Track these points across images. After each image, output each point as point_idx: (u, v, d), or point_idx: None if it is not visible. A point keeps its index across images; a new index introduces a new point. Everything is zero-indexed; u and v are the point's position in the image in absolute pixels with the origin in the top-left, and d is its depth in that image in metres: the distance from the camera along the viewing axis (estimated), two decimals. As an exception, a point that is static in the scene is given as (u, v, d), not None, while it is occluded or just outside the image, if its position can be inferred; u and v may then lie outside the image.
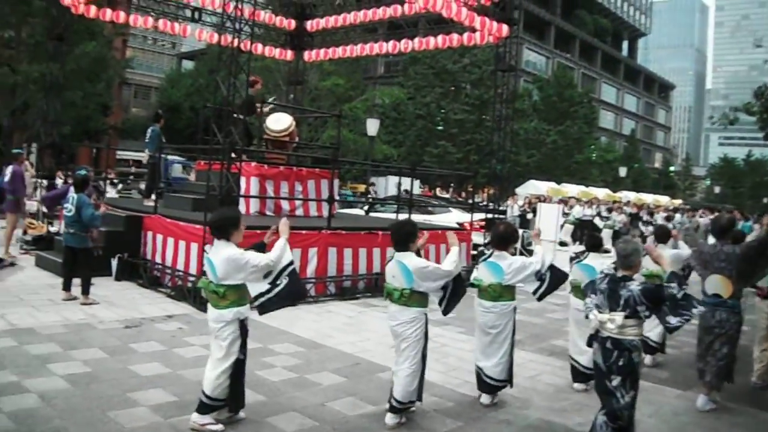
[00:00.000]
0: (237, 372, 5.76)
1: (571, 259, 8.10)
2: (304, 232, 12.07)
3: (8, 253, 14.07)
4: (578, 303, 7.45)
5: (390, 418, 6.10)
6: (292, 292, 5.95)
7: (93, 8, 17.20)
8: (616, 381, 5.24)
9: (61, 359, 7.45)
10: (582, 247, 8.28)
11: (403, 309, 6.10)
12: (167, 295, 11.56)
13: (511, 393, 7.19)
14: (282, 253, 5.81)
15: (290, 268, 5.90)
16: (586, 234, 8.75)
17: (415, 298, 6.08)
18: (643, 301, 5.16)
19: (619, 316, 5.19)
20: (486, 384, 6.94)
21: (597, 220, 24.33)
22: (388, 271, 6.26)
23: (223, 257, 5.62)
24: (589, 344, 5.55)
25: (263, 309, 5.93)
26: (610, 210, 30.53)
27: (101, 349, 7.97)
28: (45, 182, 17.00)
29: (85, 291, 10.44)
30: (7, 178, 14.75)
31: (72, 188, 11.55)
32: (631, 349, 5.22)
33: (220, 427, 5.72)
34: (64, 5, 16.81)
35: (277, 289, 5.83)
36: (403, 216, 14.98)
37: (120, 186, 24.04)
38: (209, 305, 5.80)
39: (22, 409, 5.75)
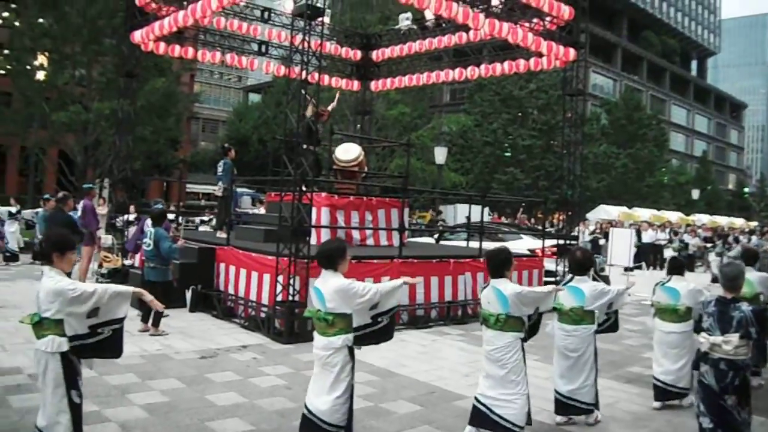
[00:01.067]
0: (351, 398, 5.80)
1: (656, 283, 8.13)
2: (375, 261, 12.10)
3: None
4: (663, 325, 7.79)
5: None
6: (387, 332, 6.01)
7: (162, 45, 17.59)
8: (731, 400, 5.38)
9: (140, 389, 7.57)
10: (652, 272, 8.35)
11: (499, 334, 6.12)
12: (241, 326, 11.67)
13: (588, 421, 7.05)
14: (395, 293, 5.88)
15: (395, 310, 5.98)
16: (669, 258, 8.81)
17: (510, 323, 6.10)
18: (755, 322, 5.32)
19: (734, 338, 5.33)
20: (567, 406, 6.98)
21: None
22: (483, 297, 6.29)
23: (332, 287, 5.67)
24: (695, 367, 5.65)
25: (359, 342, 5.91)
26: (675, 233, 29.97)
27: (178, 379, 8.07)
28: (125, 217, 17.25)
29: (156, 323, 10.62)
30: (79, 213, 15.19)
31: (148, 222, 11.83)
32: (744, 369, 5.40)
33: None
34: (134, 43, 17.22)
35: (378, 326, 5.89)
36: (473, 244, 14.90)
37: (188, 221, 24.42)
38: (316, 333, 5.84)
39: (104, 439, 5.85)
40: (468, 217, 16.75)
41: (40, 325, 4.81)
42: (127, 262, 15.59)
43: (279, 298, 10.91)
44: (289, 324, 10.67)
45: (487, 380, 6.23)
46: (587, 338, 6.95)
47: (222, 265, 12.97)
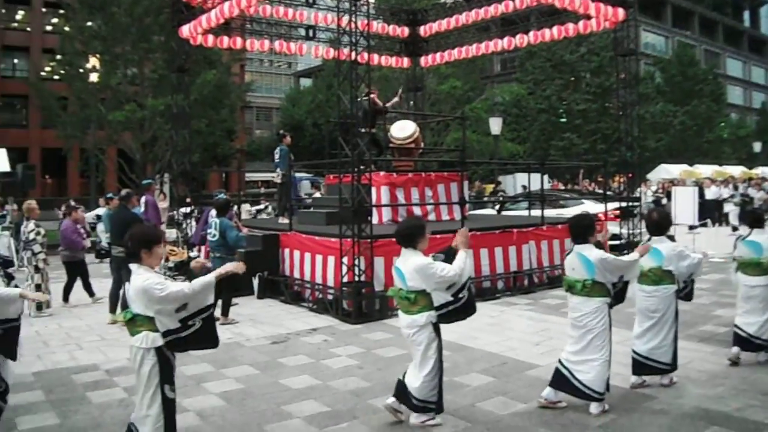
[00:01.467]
0: (440, 374, 5.89)
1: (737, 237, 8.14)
2: (439, 236, 12.04)
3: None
4: (747, 279, 7.74)
5: (594, 408, 6.17)
6: (470, 305, 6.03)
7: (210, 37, 17.72)
8: None
9: (215, 378, 7.70)
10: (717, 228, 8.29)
11: (585, 300, 6.20)
12: (309, 309, 11.77)
13: (663, 382, 6.99)
14: (465, 266, 5.86)
15: (470, 283, 5.97)
16: (747, 211, 8.73)
17: (597, 288, 6.18)
18: None
19: None
20: (644, 365, 6.96)
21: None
22: (567, 263, 6.40)
23: (412, 266, 5.79)
24: None
25: (445, 319, 5.98)
26: (735, 187, 29.28)
27: (251, 365, 8.17)
28: (181, 210, 17.48)
29: (225, 312, 10.80)
30: (141, 209, 15.44)
31: (212, 213, 11.99)
32: None
33: (438, 420, 5.96)
34: (183, 38, 17.39)
35: (460, 303, 5.91)
36: (535, 212, 14.75)
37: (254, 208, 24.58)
38: (400, 312, 5.97)
39: (182, 427, 5.91)
40: (524, 186, 16.62)
41: (133, 322, 4.89)
42: (193, 254, 15.81)
43: (345, 279, 10.96)
44: (357, 304, 10.72)
45: (572, 345, 6.30)
46: (667, 298, 6.91)
47: (287, 251, 13.08)
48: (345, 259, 10.92)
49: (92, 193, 36.00)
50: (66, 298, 12.56)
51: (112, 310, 10.85)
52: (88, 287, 12.93)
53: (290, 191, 14.74)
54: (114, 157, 32.38)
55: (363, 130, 12.01)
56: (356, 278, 10.86)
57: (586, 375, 6.12)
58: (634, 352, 6.99)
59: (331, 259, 11.59)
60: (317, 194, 22.99)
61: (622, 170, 18.02)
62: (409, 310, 5.82)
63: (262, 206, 24.12)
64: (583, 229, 6.36)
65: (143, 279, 4.80)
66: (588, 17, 16.47)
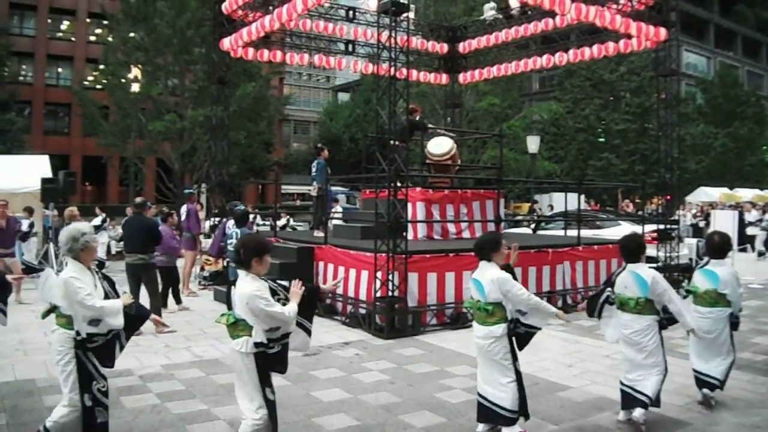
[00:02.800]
0: (521, 382, 5.99)
1: None
2: (473, 253, 12.00)
3: (188, 288, 14.86)
4: None
5: (639, 413, 6.25)
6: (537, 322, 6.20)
7: (251, 50, 17.87)
8: None
9: (247, 388, 7.70)
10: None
11: (637, 317, 6.35)
12: (342, 323, 11.78)
13: (698, 409, 6.98)
14: (539, 310, 6.13)
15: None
16: None
17: (649, 306, 6.34)
18: None
19: None
20: (705, 383, 7.12)
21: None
22: (619, 282, 6.49)
23: (489, 277, 5.93)
24: None
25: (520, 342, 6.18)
26: (764, 212, 28.78)
27: (283, 377, 8.15)
28: (208, 221, 17.66)
29: None
30: (183, 217, 15.60)
31: (230, 224, 12.16)
32: None
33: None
34: (223, 50, 17.57)
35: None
36: (571, 233, 14.65)
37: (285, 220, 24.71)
38: (475, 323, 6.08)
39: (214, 437, 5.96)
40: (551, 206, 16.46)
41: (236, 326, 5.01)
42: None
43: (378, 294, 10.96)
44: (390, 319, 10.72)
45: (626, 363, 6.47)
46: (722, 320, 7.07)
47: (321, 264, 13.11)
48: (379, 274, 10.92)
49: (130, 201, 36.39)
50: (165, 304, 12.73)
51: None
52: (177, 294, 13.13)
53: (326, 205, 14.77)
54: (153, 167, 32.78)
55: (401, 144, 12.03)
56: (390, 293, 10.85)
57: (643, 385, 6.28)
58: (694, 370, 7.22)
59: (365, 274, 11.61)
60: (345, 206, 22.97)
61: (661, 192, 17.85)
62: (485, 321, 5.93)
63: (283, 221, 24.08)
64: (635, 249, 6.50)
65: (253, 288, 4.92)
66: (629, 36, 16.35)
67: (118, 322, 5.35)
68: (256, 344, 4.94)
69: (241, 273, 5.07)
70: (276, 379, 7.91)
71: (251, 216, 17.00)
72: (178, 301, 13.04)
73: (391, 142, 11.48)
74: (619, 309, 6.48)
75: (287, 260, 12.83)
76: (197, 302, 13.97)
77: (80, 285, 5.23)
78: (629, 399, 6.38)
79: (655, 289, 6.22)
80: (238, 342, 4.99)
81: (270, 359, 5.05)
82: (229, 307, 5.21)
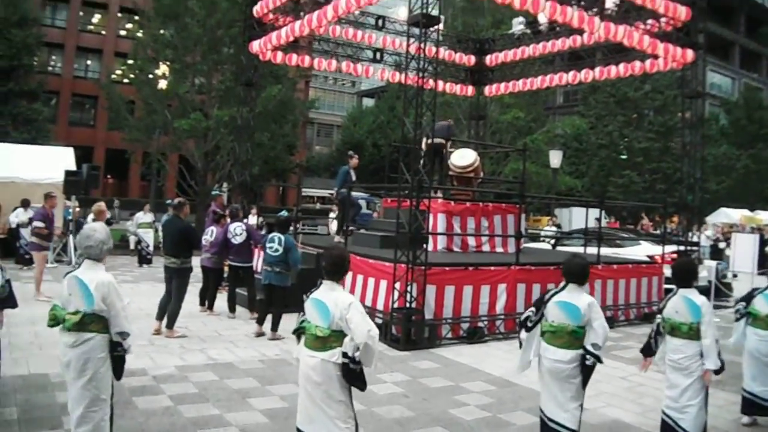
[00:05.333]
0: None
1: None
2: (492, 268, 12.04)
3: (224, 288, 15.05)
4: None
5: None
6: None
7: (279, 54, 17.99)
8: None
9: (260, 394, 7.77)
10: None
11: (688, 343, 6.32)
12: (358, 332, 11.76)
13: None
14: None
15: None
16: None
17: (699, 332, 6.30)
18: None
19: None
20: (756, 405, 7.34)
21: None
22: (670, 306, 6.48)
23: (587, 302, 5.85)
24: None
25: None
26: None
27: (297, 384, 8.19)
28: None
29: (275, 327, 10.94)
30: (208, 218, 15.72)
31: (233, 226, 12.32)
32: None
33: None
34: (253, 53, 17.68)
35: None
36: (591, 250, 14.60)
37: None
38: (559, 348, 5.87)
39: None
40: (558, 225, 16.39)
41: (327, 339, 4.95)
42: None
43: (396, 305, 10.97)
44: (406, 331, 10.73)
45: (671, 390, 6.42)
46: None
47: (340, 271, 13.10)
48: (397, 285, 10.94)
49: (151, 196, 36.56)
50: (211, 306, 13.04)
51: (160, 317, 10.93)
52: (213, 297, 13.25)
53: (348, 210, 14.82)
54: (175, 163, 32.90)
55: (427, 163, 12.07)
56: (407, 304, 10.86)
57: (687, 422, 6.26)
58: (746, 391, 7.37)
59: (383, 283, 11.62)
60: (376, 216, 22.97)
61: (682, 212, 17.77)
62: (572, 345, 5.83)
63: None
64: (688, 274, 6.52)
65: (352, 299, 4.97)
66: (655, 57, 16.34)
67: (131, 343, 5.35)
68: (344, 354, 4.88)
69: (330, 283, 5.05)
70: (288, 386, 8.04)
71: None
72: (211, 305, 13.15)
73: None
74: (669, 334, 6.47)
75: (306, 266, 12.87)
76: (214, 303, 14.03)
77: (121, 291, 5.26)
78: (668, 429, 6.39)
79: (705, 317, 6.23)
80: (331, 352, 4.91)
81: (355, 373, 4.97)
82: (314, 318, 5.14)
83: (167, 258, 11.10)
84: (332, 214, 24.81)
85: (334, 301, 4.92)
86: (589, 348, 5.73)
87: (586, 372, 5.80)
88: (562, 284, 6.04)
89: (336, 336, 4.91)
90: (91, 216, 19.74)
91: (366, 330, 4.79)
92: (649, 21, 15.67)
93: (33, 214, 15.05)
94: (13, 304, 6.76)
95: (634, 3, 14.56)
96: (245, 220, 14.02)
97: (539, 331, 6.02)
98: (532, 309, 6.06)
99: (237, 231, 12.77)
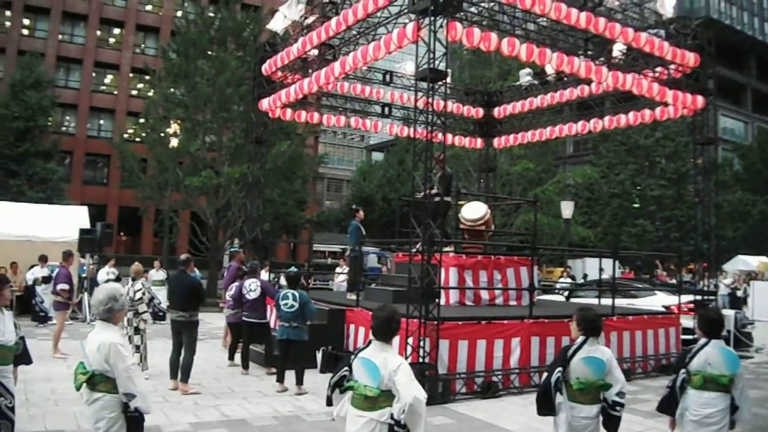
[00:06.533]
0: None
1: None
2: (506, 321, 11.92)
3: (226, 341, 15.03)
4: None
5: None
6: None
7: (288, 111, 18.16)
8: None
9: (274, 452, 7.64)
10: None
11: (722, 396, 6.15)
12: (371, 388, 11.64)
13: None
14: None
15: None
16: None
17: (733, 384, 6.18)
18: None
19: None
20: None
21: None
22: (701, 358, 6.25)
23: (610, 354, 5.87)
24: None
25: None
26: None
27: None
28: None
29: (300, 381, 10.95)
30: (226, 274, 15.73)
31: (249, 282, 12.31)
32: None
33: None
34: (262, 110, 17.84)
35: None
36: (605, 301, 14.45)
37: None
38: (586, 405, 5.79)
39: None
40: (585, 275, 16.29)
41: (377, 399, 4.88)
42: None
43: (409, 360, 10.84)
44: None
45: None
46: None
47: (352, 326, 13.05)
48: (410, 340, 10.83)
49: (164, 253, 36.67)
50: (245, 365, 12.86)
51: (173, 375, 10.94)
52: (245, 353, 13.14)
53: (360, 266, 14.75)
54: (187, 220, 33.08)
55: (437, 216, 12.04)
56: (420, 359, 10.74)
57: None
58: None
59: (395, 339, 11.48)
60: (385, 270, 22.98)
61: (697, 260, 17.62)
62: (596, 400, 5.77)
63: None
64: (719, 324, 6.39)
65: (402, 360, 4.92)
66: (665, 104, 16.33)
67: (146, 406, 5.28)
68: (391, 416, 4.81)
69: (381, 344, 4.99)
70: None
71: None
72: (245, 363, 13.04)
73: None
74: (698, 388, 6.20)
75: (318, 321, 12.80)
76: (226, 360, 13.93)
77: (126, 353, 5.21)
78: None
79: (740, 368, 6.14)
80: (380, 412, 4.84)
81: None
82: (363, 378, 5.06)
83: (174, 312, 11.13)
84: (338, 269, 24.88)
85: (384, 362, 4.86)
86: (616, 399, 5.67)
87: (613, 424, 5.73)
88: (581, 339, 5.91)
89: (386, 396, 4.85)
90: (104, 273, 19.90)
91: (412, 393, 4.72)
92: (658, 68, 15.71)
93: (55, 275, 15.10)
94: (27, 360, 6.76)
95: (642, 51, 14.55)
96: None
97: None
98: (560, 369, 5.81)
99: (252, 287, 12.80)
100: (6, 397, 6.15)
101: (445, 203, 13.50)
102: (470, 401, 10.94)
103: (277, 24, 16.32)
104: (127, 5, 55.34)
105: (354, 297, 13.72)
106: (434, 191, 12.96)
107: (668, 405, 6.41)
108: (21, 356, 6.60)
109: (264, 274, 16.94)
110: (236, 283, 13.67)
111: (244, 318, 12.96)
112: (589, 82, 16.53)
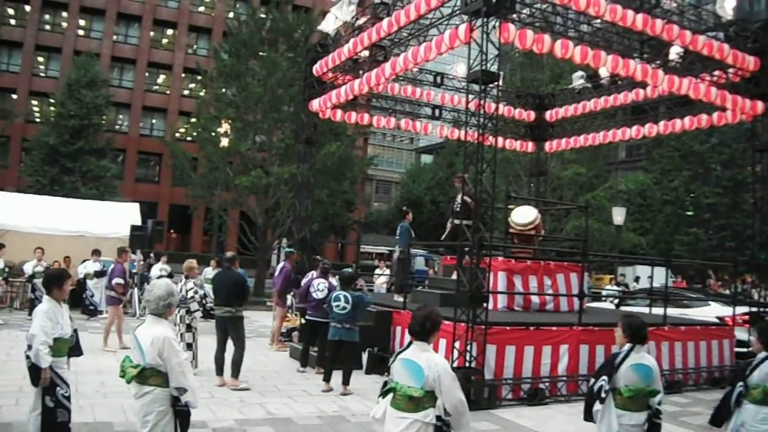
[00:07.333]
0: None
1: None
2: (554, 328, 11.74)
3: (279, 342, 15.24)
4: None
5: None
6: None
7: (339, 112, 18.14)
8: None
9: (318, 453, 7.60)
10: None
11: None
12: (416, 391, 11.55)
13: None
14: None
15: None
16: None
17: None
18: None
19: None
20: None
21: None
22: (766, 371, 6.20)
23: (651, 360, 5.84)
24: None
25: None
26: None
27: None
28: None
29: (346, 381, 10.94)
30: (276, 273, 15.74)
31: (316, 282, 12.26)
32: None
33: None
34: (312, 111, 17.85)
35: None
36: (657, 310, 14.14)
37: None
38: (634, 412, 5.70)
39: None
40: (638, 277, 15.97)
41: (420, 400, 4.88)
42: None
43: (455, 364, 10.72)
44: (466, 391, 10.39)
45: None
46: None
47: (398, 329, 12.98)
48: (457, 344, 10.72)
49: (213, 251, 36.98)
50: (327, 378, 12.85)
51: (219, 372, 11.03)
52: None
53: (407, 268, 14.66)
54: (236, 219, 33.28)
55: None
56: (467, 364, 10.62)
57: None
58: None
59: (442, 342, 11.38)
60: (431, 273, 22.89)
61: (754, 271, 17.15)
62: (644, 407, 5.68)
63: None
64: None
65: (445, 362, 4.95)
66: (723, 109, 15.88)
67: (195, 400, 5.31)
68: (437, 417, 4.82)
69: (421, 344, 4.98)
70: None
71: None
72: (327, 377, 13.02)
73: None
74: (758, 403, 6.10)
75: (365, 323, 12.73)
76: (272, 358, 13.96)
77: (179, 347, 5.27)
78: None
79: None
80: (424, 413, 4.83)
81: None
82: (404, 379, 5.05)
83: (220, 308, 11.17)
84: (378, 271, 24.84)
85: (427, 362, 4.85)
86: (658, 407, 5.61)
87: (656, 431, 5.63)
88: (627, 346, 5.77)
89: (429, 397, 4.84)
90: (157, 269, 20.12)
91: (457, 395, 4.78)
92: (716, 72, 15.24)
93: (111, 270, 15.28)
94: (78, 352, 6.89)
95: (700, 54, 14.14)
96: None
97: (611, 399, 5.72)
98: (605, 378, 5.69)
99: (320, 287, 12.84)
100: (62, 387, 6.35)
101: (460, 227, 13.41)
102: (516, 408, 10.78)
103: (329, 25, 16.32)
104: (180, 6, 56.10)
105: (401, 299, 13.65)
106: (456, 210, 12.97)
107: (720, 418, 6.23)
108: (73, 348, 6.74)
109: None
110: (306, 279, 13.66)
111: (308, 317, 13.00)
112: (644, 85, 16.19)
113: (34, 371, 6.19)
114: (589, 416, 5.79)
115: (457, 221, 13.32)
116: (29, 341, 6.21)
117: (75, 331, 6.75)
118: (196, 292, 12.07)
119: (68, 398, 6.42)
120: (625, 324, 5.90)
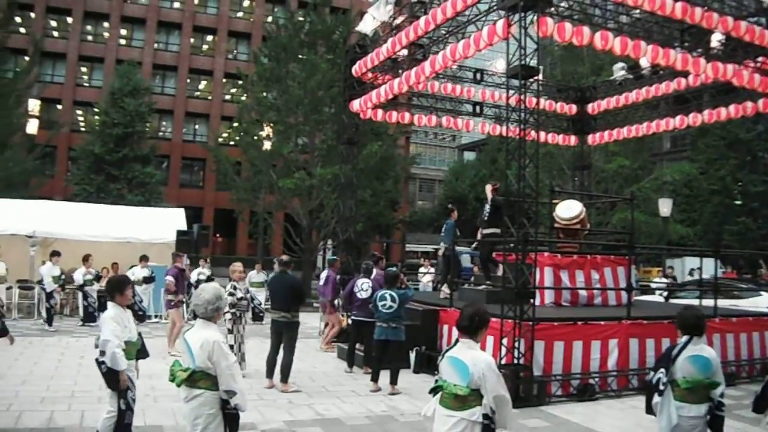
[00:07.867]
0: None
1: None
2: (602, 323, 11.64)
3: (328, 344, 15.25)
4: None
5: None
6: None
7: (380, 112, 18.16)
8: None
9: (368, 452, 7.63)
10: None
11: None
12: (465, 389, 11.54)
13: None
14: None
15: None
16: None
17: None
18: None
19: None
20: None
21: None
22: None
23: (712, 353, 5.82)
24: None
25: None
26: None
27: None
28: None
29: (394, 381, 10.95)
30: (321, 282, 15.81)
31: (359, 282, 12.30)
32: None
33: None
34: (353, 111, 17.90)
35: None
36: (707, 302, 13.95)
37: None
38: (683, 403, 5.71)
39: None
40: (693, 270, 15.73)
41: (466, 399, 4.92)
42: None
43: (503, 361, 10.70)
44: (514, 388, 10.41)
45: None
46: None
47: (445, 327, 12.97)
48: (504, 341, 10.69)
49: (259, 254, 37.27)
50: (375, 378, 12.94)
51: (269, 374, 11.11)
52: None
53: (453, 265, 14.63)
54: (281, 222, 33.46)
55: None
56: (515, 361, 10.59)
57: None
58: None
59: (489, 339, 11.35)
60: (477, 270, 22.76)
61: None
62: (704, 399, 5.68)
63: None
64: None
65: (491, 360, 4.97)
66: (768, 95, 15.62)
67: (244, 403, 5.35)
68: (484, 416, 4.85)
69: (468, 341, 5.02)
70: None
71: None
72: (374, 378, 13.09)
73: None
74: None
75: (412, 322, 12.75)
76: (320, 359, 14.04)
77: (228, 351, 5.32)
78: None
79: None
80: (470, 411, 4.86)
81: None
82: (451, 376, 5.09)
83: (277, 312, 11.22)
84: (423, 269, 24.78)
85: (473, 360, 4.87)
86: (721, 400, 5.57)
87: (718, 425, 5.59)
88: (684, 339, 5.75)
89: (475, 395, 4.86)
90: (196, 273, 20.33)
91: (501, 394, 4.82)
92: (760, 58, 14.94)
93: (166, 272, 15.47)
94: (145, 354, 7.06)
95: (742, 40, 13.83)
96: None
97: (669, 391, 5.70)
98: (662, 370, 5.70)
99: (363, 287, 12.88)
100: (132, 390, 6.58)
101: (494, 235, 13.37)
102: (566, 404, 10.72)
103: (366, 25, 16.34)
104: (219, 12, 56.51)
105: (446, 294, 13.65)
106: (485, 216, 12.97)
107: (763, 404, 6.15)
108: (140, 350, 6.92)
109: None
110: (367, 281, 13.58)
111: (353, 317, 13.06)
112: (686, 74, 15.97)
113: (111, 375, 6.35)
114: (649, 409, 5.79)
115: (487, 231, 13.41)
116: (102, 347, 6.35)
117: (140, 334, 6.91)
118: (231, 294, 12.10)
119: (135, 401, 6.65)
120: (679, 316, 5.90)
